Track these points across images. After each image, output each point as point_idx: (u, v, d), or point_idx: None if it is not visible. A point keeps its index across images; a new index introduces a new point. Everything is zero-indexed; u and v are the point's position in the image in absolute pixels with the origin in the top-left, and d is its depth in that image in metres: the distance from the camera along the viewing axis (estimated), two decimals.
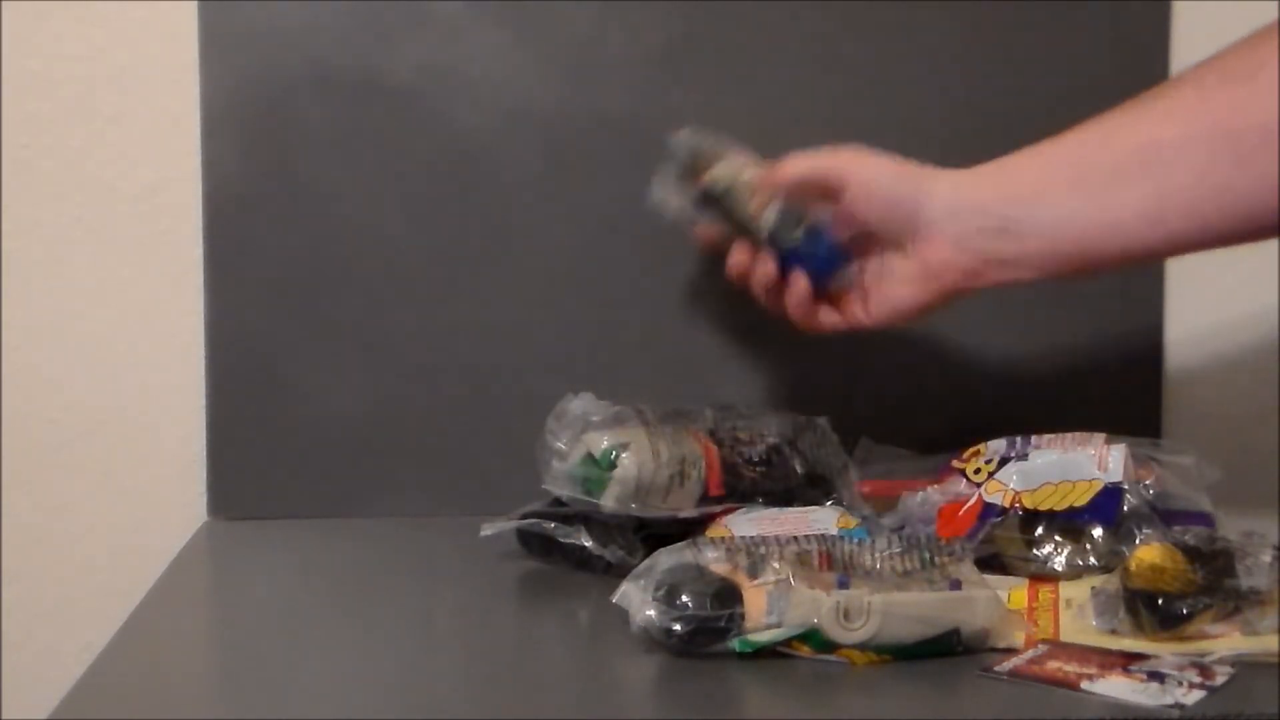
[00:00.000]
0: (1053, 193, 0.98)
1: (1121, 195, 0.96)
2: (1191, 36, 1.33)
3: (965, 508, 1.02)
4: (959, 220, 1.02)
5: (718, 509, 1.06)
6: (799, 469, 1.11)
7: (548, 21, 1.27)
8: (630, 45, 1.28)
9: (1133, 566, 0.88)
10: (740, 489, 1.08)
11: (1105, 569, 0.96)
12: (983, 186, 1.02)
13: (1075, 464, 1.02)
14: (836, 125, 1.30)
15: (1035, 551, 1.00)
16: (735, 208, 1.11)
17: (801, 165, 1.09)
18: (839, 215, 1.08)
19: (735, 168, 1.12)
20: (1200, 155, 0.93)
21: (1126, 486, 1.00)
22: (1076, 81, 1.32)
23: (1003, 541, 1.00)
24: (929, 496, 1.05)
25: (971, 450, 1.08)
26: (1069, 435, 1.05)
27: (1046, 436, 1.06)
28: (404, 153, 1.26)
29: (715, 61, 1.29)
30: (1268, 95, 0.91)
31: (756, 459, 1.10)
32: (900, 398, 1.30)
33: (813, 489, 1.11)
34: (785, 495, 1.09)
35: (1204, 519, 0.99)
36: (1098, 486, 1.00)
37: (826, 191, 1.08)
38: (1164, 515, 0.99)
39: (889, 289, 1.08)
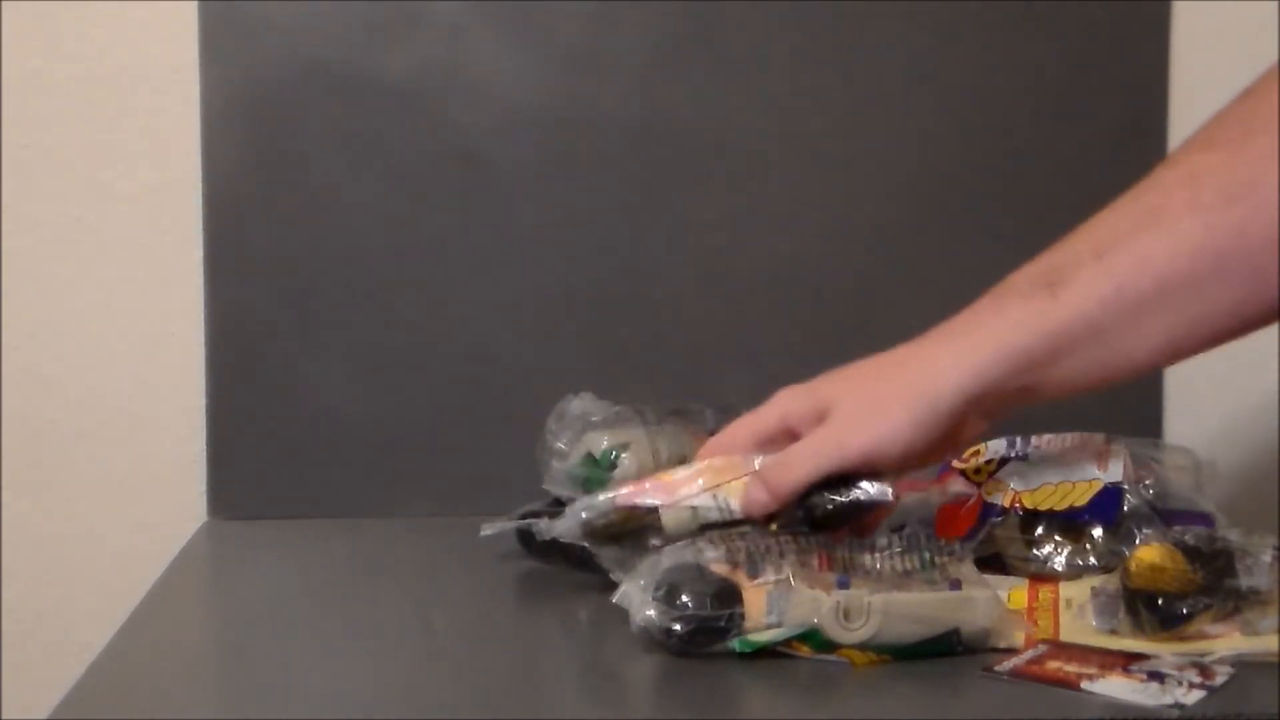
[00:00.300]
0: (1070, 352, 0.91)
1: (1139, 340, 0.91)
2: (1191, 36, 1.33)
3: (965, 508, 1.02)
4: (981, 403, 0.92)
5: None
6: None
7: (548, 21, 1.27)
8: (630, 45, 1.28)
9: (1133, 566, 0.88)
10: None
11: (1105, 569, 0.95)
12: (988, 371, 0.91)
13: (1075, 464, 1.02)
14: (836, 125, 1.31)
15: (1035, 551, 0.99)
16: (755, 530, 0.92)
17: (801, 474, 0.91)
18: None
19: (709, 505, 0.92)
20: (1213, 285, 0.89)
21: (1126, 486, 1.00)
22: (1077, 81, 1.32)
23: (1003, 541, 1.00)
24: (929, 497, 1.05)
25: (971, 450, 1.08)
26: (1069, 435, 1.05)
27: (1046, 436, 1.05)
28: (404, 153, 1.26)
29: (715, 61, 1.29)
30: (1268, 209, 0.87)
31: None
32: None
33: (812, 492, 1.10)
34: None
35: (1204, 519, 0.99)
36: (1098, 486, 1.00)
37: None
38: (1164, 515, 0.98)
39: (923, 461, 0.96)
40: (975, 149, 1.32)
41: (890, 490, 0.91)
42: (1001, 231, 1.31)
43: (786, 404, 0.95)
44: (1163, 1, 1.33)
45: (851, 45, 1.30)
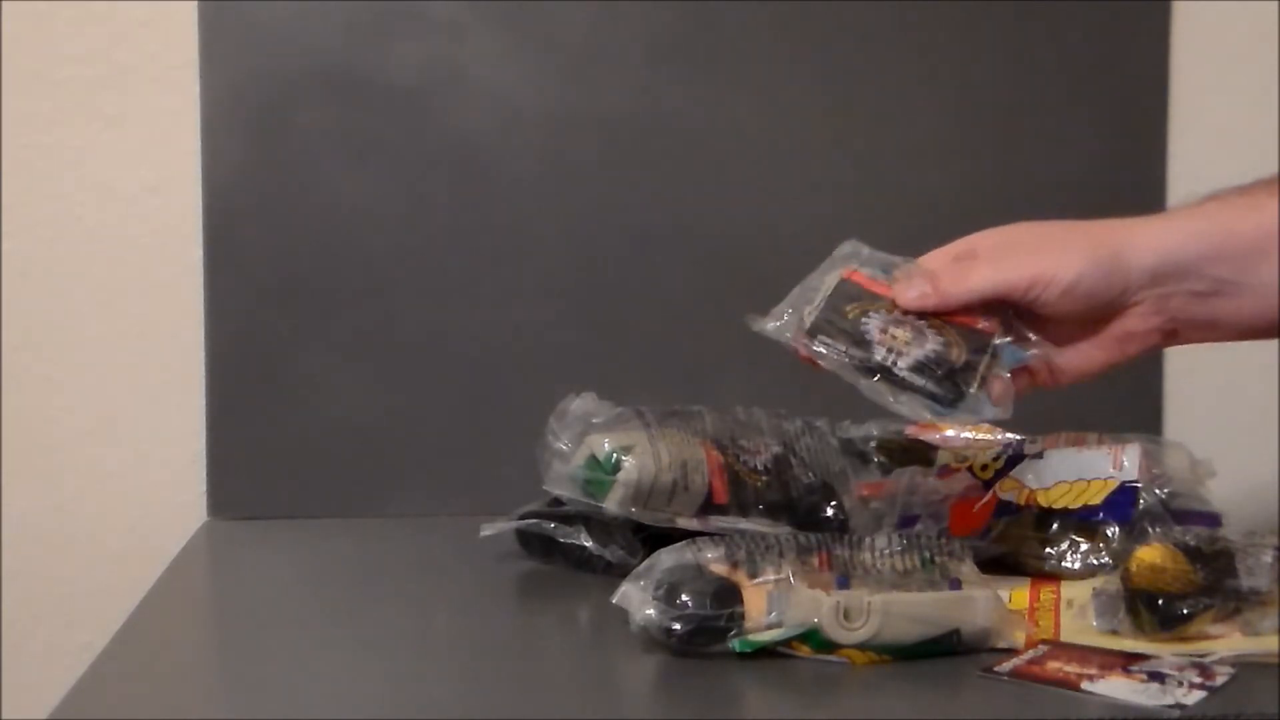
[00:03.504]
0: (1260, 258, 0.91)
1: None
2: (1191, 36, 1.33)
3: (979, 505, 1.02)
4: (1166, 285, 0.92)
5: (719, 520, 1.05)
6: (803, 479, 1.10)
7: (547, 22, 1.27)
8: (630, 45, 1.28)
9: (1133, 567, 0.88)
10: (744, 498, 1.07)
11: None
12: (1192, 244, 0.92)
13: (1090, 462, 1.01)
14: (836, 125, 1.31)
15: (1050, 550, 0.99)
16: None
17: (975, 282, 0.94)
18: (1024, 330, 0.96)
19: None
20: None
21: (1141, 485, 0.99)
22: (1077, 81, 1.32)
23: (1016, 540, 1.00)
24: (927, 483, 1.04)
25: (980, 446, 1.07)
26: (1075, 434, 1.05)
27: (1048, 436, 1.05)
28: (404, 153, 1.26)
29: (715, 61, 1.29)
30: None
31: (760, 468, 1.09)
32: None
33: (815, 496, 1.10)
34: (788, 505, 1.08)
35: (1212, 519, 0.98)
36: (1113, 485, 0.99)
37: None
38: (1174, 515, 0.98)
39: (1077, 357, 0.96)
40: (976, 149, 1.32)
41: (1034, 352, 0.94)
42: None
43: (974, 239, 0.97)
44: (1163, 1, 1.33)
45: (851, 45, 1.30)
